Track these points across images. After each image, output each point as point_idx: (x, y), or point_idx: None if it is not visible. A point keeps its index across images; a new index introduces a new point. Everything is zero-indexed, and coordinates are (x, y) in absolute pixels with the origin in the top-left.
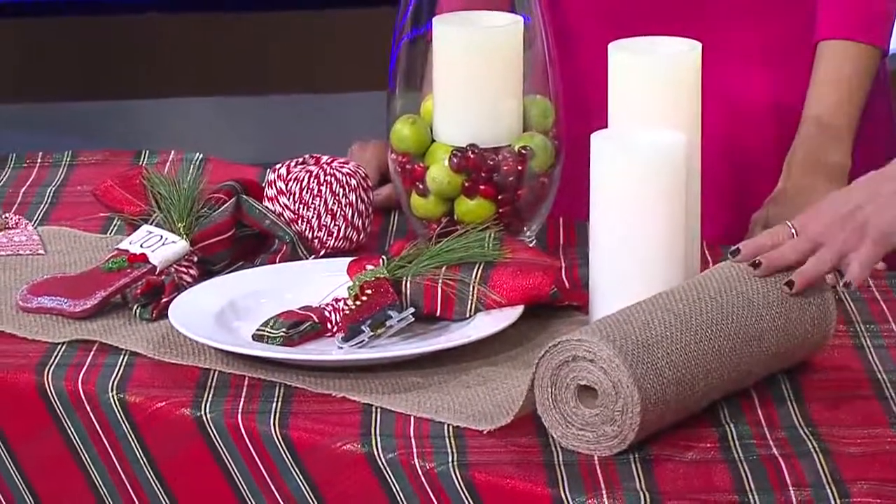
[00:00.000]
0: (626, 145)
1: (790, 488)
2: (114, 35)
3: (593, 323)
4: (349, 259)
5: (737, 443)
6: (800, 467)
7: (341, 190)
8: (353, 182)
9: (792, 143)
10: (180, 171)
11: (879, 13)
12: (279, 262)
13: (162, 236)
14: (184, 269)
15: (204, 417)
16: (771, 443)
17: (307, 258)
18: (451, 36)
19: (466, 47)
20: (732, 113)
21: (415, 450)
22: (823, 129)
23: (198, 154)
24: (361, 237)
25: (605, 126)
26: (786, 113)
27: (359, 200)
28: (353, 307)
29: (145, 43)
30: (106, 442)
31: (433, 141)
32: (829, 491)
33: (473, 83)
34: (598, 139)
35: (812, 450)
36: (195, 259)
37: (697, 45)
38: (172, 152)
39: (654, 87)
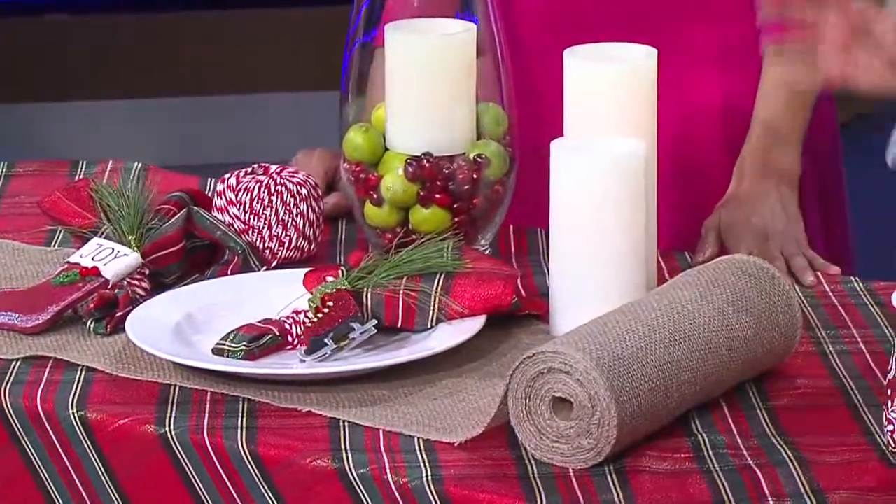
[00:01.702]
0: (587, 153)
1: (769, 498)
2: (17, 37)
3: (568, 334)
4: (304, 270)
5: (710, 452)
6: (776, 477)
7: (292, 200)
8: (304, 191)
9: (742, 147)
10: (122, 181)
11: None
12: (231, 273)
13: (113, 249)
14: (136, 283)
15: (168, 434)
16: (745, 452)
17: (259, 269)
18: (404, 44)
19: (420, 55)
20: (684, 116)
21: (387, 464)
22: (773, 133)
23: (137, 163)
24: (312, 247)
25: (557, 134)
26: (737, 116)
27: (310, 210)
28: (315, 320)
29: (48, 45)
30: (66, 460)
31: (386, 149)
32: (807, 500)
33: (427, 91)
34: (557, 147)
35: (787, 459)
36: (147, 272)
37: (653, 52)
38: (111, 161)
39: (611, 95)
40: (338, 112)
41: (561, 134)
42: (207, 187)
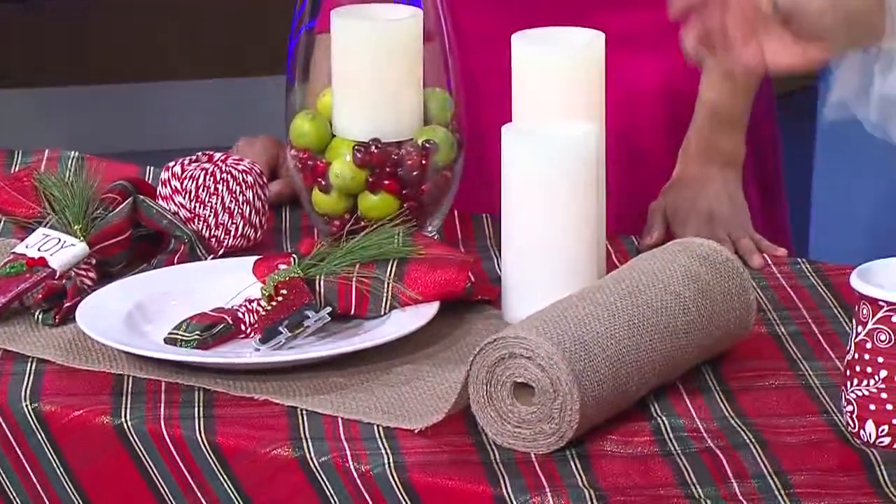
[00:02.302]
0: (539, 138)
1: (732, 480)
2: None
3: (527, 319)
4: (253, 258)
5: (671, 436)
6: (738, 459)
7: (238, 187)
8: (250, 179)
9: (685, 131)
10: (61, 170)
11: None
12: (177, 262)
13: (60, 239)
14: (83, 272)
15: (125, 425)
16: (705, 435)
17: (206, 258)
18: (350, 29)
19: (366, 41)
20: (624, 100)
21: (348, 452)
22: (718, 116)
23: (74, 152)
24: (258, 235)
25: (494, 119)
26: (678, 99)
27: (255, 198)
28: (269, 308)
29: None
30: (20, 453)
31: (333, 136)
32: (771, 482)
33: (374, 77)
34: (508, 132)
35: (748, 441)
36: (93, 262)
37: (600, 36)
38: (47, 151)
39: (559, 79)
40: (248, 98)
41: (499, 119)
42: (146, 176)
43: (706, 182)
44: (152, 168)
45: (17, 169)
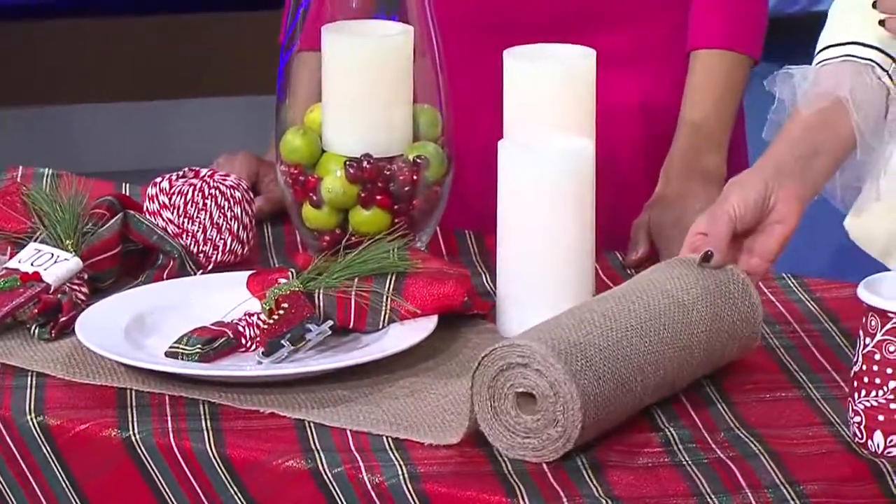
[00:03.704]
0: (536, 153)
1: (746, 490)
2: None
3: (525, 331)
4: (245, 273)
5: (680, 447)
6: (750, 469)
7: (226, 203)
8: (237, 195)
9: (663, 147)
10: (37, 187)
11: (751, 23)
12: (167, 277)
13: (52, 254)
14: (76, 287)
15: (133, 438)
16: (714, 446)
17: (195, 273)
18: (341, 45)
19: (358, 57)
20: (601, 118)
21: (361, 464)
22: (699, 135)
23: (48, 169)
24: (246, 250)
25: (477, 135)
26: (654, 117)
27: (243, 213)
28: (271, 321)
29: None
30: (24, 466)
31: (323, 151)
32: (785, 491)
33: (365, 93)
34: (505, 147)
35: (758, 452)
36: (85, 276)
37: (591, 52)
38: (21, 168)
39: (552, 94)
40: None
41: (483, 134)
42: (124, 192)
43: (689, 199)
44: (127, 185)
45: None
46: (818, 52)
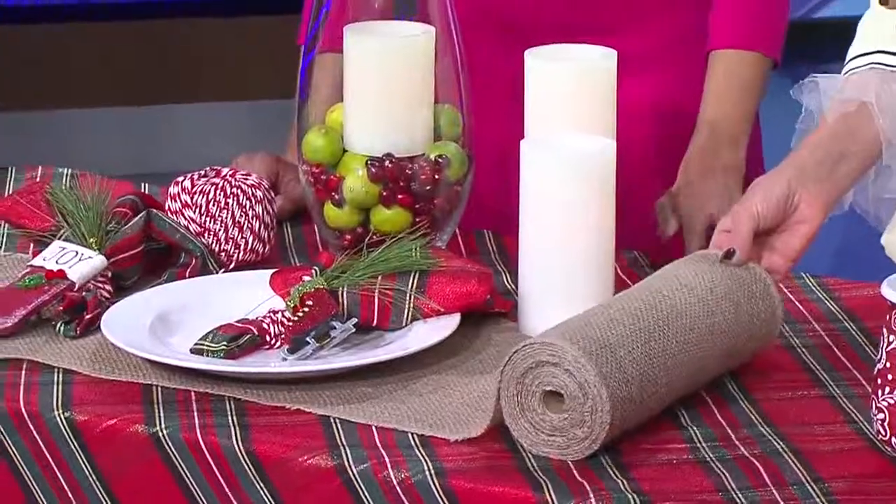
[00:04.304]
0: (558, 152)
1: (770, 487)
2: None
3: (551, 328)
4: (268, 271)
5: (704, 444)
6: (774, 466)
7: (248, 202)
8: (259, 194)
9: (674, 147)
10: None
11: (772, 25)
12: (189, 275)
13: (77, 252)
14: (100, 285)
15: (160, 433)
16: (738, 443)
17: (217, 272)
18: (363, 46)
19: (380, 57)
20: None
21: (387, 460)
22: (718, 135)
23: (67, 169)
24: (267, 249)
25: (489, 135)
26: (664, 115)
27: (264, 212)
28: (296, 319)
29: None
30: (52, 463)
31: (345, 151)
32: (809, 488)
33: (387, 93)
34: (528, 146)
35: (781, 449)
36: (109, 274)
37: (612, 53)
38: (40, 168)
39: (574, 94)
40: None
41: (497, 135)
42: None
43: (708, 192)
44: (146, 185)
45: (11, 186)
46: (846, 63)
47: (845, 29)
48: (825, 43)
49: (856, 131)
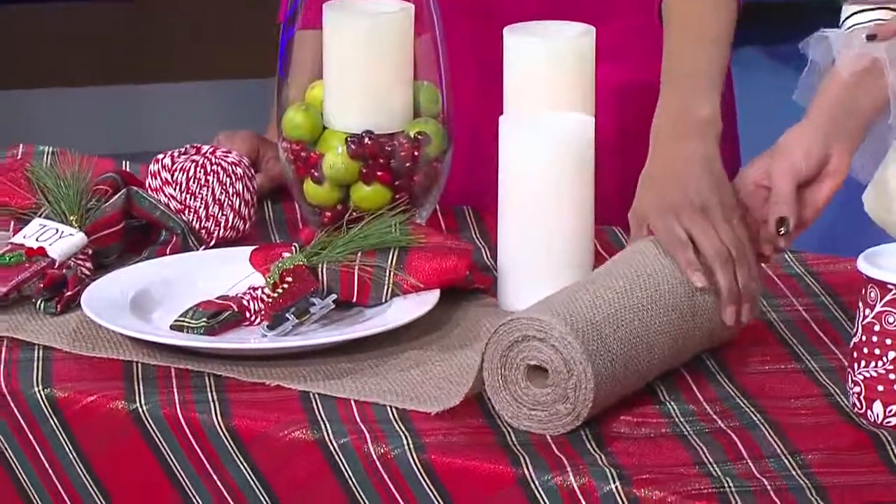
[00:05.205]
0: (537, 129)
1: (748, 460)
2: None
3: (538, 303)
4: (248, 248)
5: (682, 419)
6: (751, 439)
7: (228, 179)
8: (239, 171)
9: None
10: (37, 164)
11: None
12: (170, 253)
13: (57, 229)
14: (81, 262)
15: (140, 410)
16: (715, 417)
17: (198, 249)
18: (343, 23)
19: (359, 34)
20: None
21: (367, 434)
22: (684, 90)
23: (48, 147)
24: (247, 227)
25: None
26: (628, 97)
27: (245, 190)
28: (275, 295)
29: None
30: (33, 439)
31: (325, 128)
32: (786, 461)
33: (366, 70)
34: (507, 123)
35: (758, 422)
36: (90, 251)
37: (591, 29)
38: (21, 146)
39: (552, 71)
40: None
41: (471, 112)
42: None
43: (683, 166)
44: (126, 163)
45: None
46: (846, 19)
47: (830, 9)
48: (810, 22)
49: (866, 87)
